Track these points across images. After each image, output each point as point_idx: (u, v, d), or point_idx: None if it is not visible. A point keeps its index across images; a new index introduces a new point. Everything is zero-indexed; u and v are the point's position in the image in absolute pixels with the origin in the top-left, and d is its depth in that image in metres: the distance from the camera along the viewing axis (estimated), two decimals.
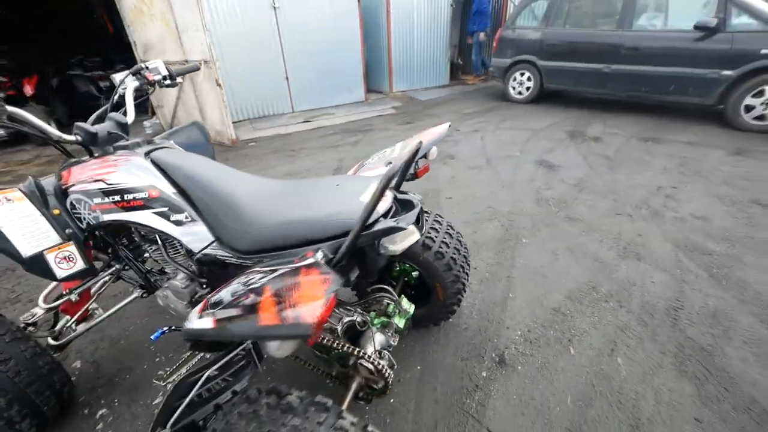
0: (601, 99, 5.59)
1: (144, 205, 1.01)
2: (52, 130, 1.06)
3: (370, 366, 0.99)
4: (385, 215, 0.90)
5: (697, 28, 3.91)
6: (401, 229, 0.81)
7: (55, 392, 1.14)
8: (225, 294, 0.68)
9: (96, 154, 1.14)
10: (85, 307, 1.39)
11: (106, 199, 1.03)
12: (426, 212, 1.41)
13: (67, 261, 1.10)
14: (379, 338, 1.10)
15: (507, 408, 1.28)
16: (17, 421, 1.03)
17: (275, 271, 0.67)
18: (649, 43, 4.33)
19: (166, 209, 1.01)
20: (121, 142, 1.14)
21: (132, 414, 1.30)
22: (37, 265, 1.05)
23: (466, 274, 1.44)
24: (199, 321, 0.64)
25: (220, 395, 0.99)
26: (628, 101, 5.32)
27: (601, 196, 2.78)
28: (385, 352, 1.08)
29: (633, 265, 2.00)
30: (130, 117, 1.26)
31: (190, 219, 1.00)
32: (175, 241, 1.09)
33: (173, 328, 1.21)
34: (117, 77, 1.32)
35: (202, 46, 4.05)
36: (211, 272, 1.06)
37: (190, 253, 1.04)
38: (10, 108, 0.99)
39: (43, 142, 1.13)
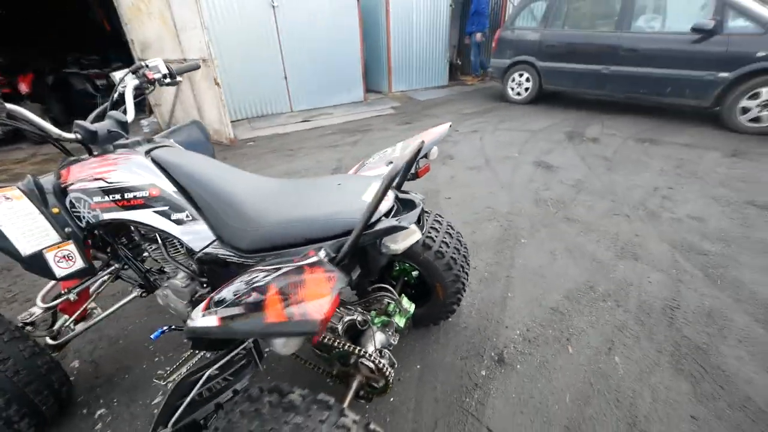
0: (600, 100, 5.62)
1: (144, 203, 1.01)
2: (52, 128, 1.05)
3: (371, 365, 1.00)
4: (386, 214, 0.90)
5: (694, 30, 3.95)
6: (403, 228, 0.82)
7: (53, 392, 1.14)
8: (229, 292, 0.68)
9: (95, 153, 1.13)
10: (84, 306, 1.38)
11: (106, 198, 1.03)
12: (426, 212, 1.41)
13: (66, 260, 1.09)
14: (379, 337, 1.11)
15: (506, 406, 1.28)
16: (16, 420, 1.02)
17: (279, 269, 0.68)
18: (647, 45, 4.36)
19: (166, 208, 1.00)
20: (121, 141, 1.14)
21: (131, 414, 1.29)
22: (37, 263, 1.04)
23: (466, 273, 1.45)
24: (203, 319, 0.64)
25: (220, 394, 0.99)
26: (626, 102, 5.35)
27: (599, 197, 2.80)
28: (386, 351, 1.08)
29: (630, 265, 2.02)
30: (130, 115, 1.25)
31: (190, 218, 1.00)
32: (175, 240, 1.09)
33: (173, 327, 1.21)
34: (117, 75, 1.31)
35: (201, 44, 4.03)
36: (212, 271, 1.06)
37: (190, 252, 1.04)
38: (9, 106, 0.99)
39: (42, 140, 1.13)
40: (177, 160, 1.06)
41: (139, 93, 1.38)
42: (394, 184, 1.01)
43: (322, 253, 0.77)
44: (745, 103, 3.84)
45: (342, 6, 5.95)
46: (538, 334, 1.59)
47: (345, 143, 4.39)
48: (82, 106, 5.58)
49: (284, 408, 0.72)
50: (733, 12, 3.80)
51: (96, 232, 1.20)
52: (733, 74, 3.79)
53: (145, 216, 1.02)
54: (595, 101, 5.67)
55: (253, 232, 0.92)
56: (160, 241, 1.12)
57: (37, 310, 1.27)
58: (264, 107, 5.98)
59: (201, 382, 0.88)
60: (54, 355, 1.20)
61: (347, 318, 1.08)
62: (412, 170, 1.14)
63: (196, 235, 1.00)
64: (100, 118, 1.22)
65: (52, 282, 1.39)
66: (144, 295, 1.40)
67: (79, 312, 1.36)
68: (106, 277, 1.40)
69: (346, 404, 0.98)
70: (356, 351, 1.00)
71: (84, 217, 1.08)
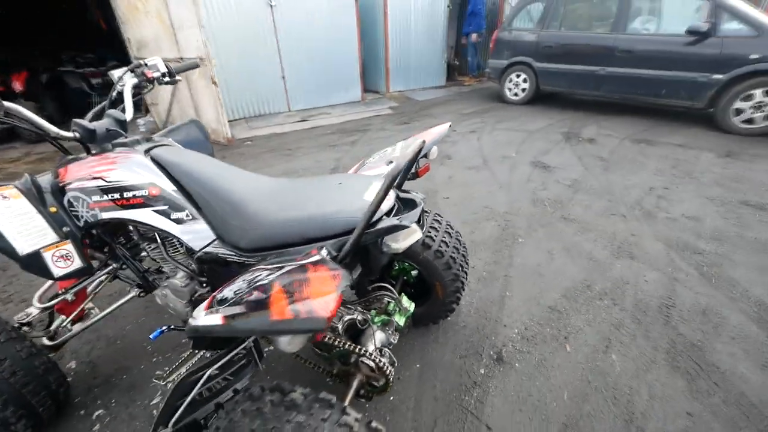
0: (596, 101, 5.66)
1: (144, 203, 1.01)
2: (50, 126, 1.04)
3: (372, 363, 1.00)
4: (387, 214, 0.91)
5: (689, 32, 3.99)
6: (404, 227, 0.82)
7: (50, 393, 1.13)
8: (232, 290, 0.68)
9: (94, 152, 1.12)
10: (81, 306, 1.37)
11: (105, 197, 1.02)
12: (425, 211, 1.42)
13: (64, 259, 1.08)
14: (379, 336, 1.11)
15: (505, 404, 1.29)
16: (12, 422, 1.01)
17: (282, 268, 0.68)
18: (642, 47, 4.40)
19: (166, 207, 1.00)
20: (120, 140, 1.13)
21: (129, 414, 1.29)
22: (34, 263, 1.03)
23: (465, 272, 1.45)
24: (206, 318, 0.64)
25: (220, 394, 0.99)
26: (622, 103, 5.40)
27: (595, 197, 2.82)
28: (386, 349, 1.09)
29: (626, 264, 2.04)
30: (129, 114, 1.24)
31: (190, 217, 1.00)
32: (174, 240, 1.09)
33: (172, 327, 1.21)
34: (115, 74, 1.30)
35: (198, 43, 4.01)
36: (212, 271, 1.06)
37: (190, 251, 1.03)
38: (6, 103, 0.98)
39: (39, 138, 1.12)
40: (177, 159, 1.06)
41: (138, 92, 1.37)
42: (396, 183, 1.02)
43: (324, 252, 0.78)
44: (738, 104, 3.89)
45: (340, 5, 5.94)
46: (536, 333, 1.60)
47: (343, 143, 4.39)
48: (78, 104, 5.54)
49: (286, 407, 0.72)
50: (727, 15, 3.85)
51: (94, 231, 1.19)
52: (727, 76, 3.84)
53: (145, 215, 1.01)
54: (592, 102, 5.71)
55: (253, 231, 0.92)
56: (159, 241, 1.12)
57: (33, 311, 1.25)
58: (261, 106, 5.95)
59: (201, 382, 0.88)
60: (51, 356, 1.19)
61: (347, 317, 1.09)
62: (412, 170, 1.14)
63: (196, 234, 1.00)
64: (99, 116, 1.21)
65: (49, 282, 1.38)
66: (142, 295, 1.39)
67: (76, 312, 1.34)
68: (103, 277, 1.39)
69: (346, 403, 0.98)
70: (357, 350, 1.00)
71: (82, 217, 1.07)
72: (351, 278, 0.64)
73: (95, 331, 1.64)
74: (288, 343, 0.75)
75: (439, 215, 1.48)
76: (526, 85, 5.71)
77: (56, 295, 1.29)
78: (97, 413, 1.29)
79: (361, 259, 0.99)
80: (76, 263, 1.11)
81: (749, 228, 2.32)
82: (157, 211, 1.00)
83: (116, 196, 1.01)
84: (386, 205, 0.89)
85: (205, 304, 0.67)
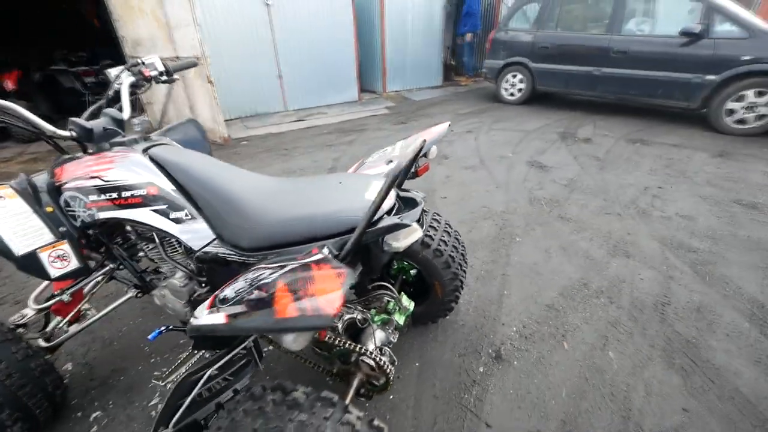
0: (592, 101, 5.71)
1: (142, 202, 1.00)
2: (46, 125, 1.03)
3: (372, 362, 1.00)
4: (388, 212, 0.91)
5: (682, 34, 4.03)
6: (406, 225, 0.82)
7: (47, 395, 1.12)
8: (235, 289, 0.68)
9: (90, 151, 1.11)
10: (78, 307, 1.35)
11: (103, 197, 1.01)
12: (424, 211, 1.42)
13: (61, 260, 1.07)
14: (379, 335, 1.11)
15: (504, 402, 1.30)
16: (8, 425, 1.00)
17: (284, 266, 0.68)
18: (637, 48, 4.45)
19: (165, 207, 0.99)
20: (118, 139, 1.12)
21: (128, 416, 1.28)
22: (31, 264, 1.02)
23: (464, 271, 1.46)
24: (209, 317, 0.64)
25: (220, 394, 0.99)
26: (617, 104, 5.44)
27: (591, 196, 2.84)
28: (386, 348, 1.09)
29: (622, 262, 2.06)
30: (126, 113, 1.23)
31: (189, 217, 0.99)
32: (173, 240, 1.08)
33: (171, 327, 1.20)
34: (112, 72, 1.29)
35: (193, 42, 3.99)
36: (211, 270, 1.06)
37: (189, 251, 1.03)
38: (1, 102, 0.97)
39: (33, 138, 1.11)
40: (176, 159, 1.05)
41: (135, 90, 1.36)
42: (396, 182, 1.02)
43: (325, 251, 0.78)
44: (731, 105, 3.94)
45: (336, 5, 5.93)
46: (534, 331, 1.61)
47: (341, 143, 4.38)
48: (71, 104, 5.47)
49: (288, 406, 0.72)
50: (720, 17, 3.90)
51: (90, 231, 1.18)
52: (720, 77, 3.89)
53: (143, 215, 1.00)
54: (587, 102, 5.76)
55: (254, 231, 0.92)
56: (157, 241, 1.11)
57: (29, 312, 1.24)
58: (258, 106, 5.93)
59: (201, 382, 0.88)
60: (47, 358, 1.18)
61: (347, 316, 1.09)
62: (412, 169, 1.15)
63: (196, 233, 0.99)
64: (95, 115, 1.20)
65: (45, 283, 1.36)
66: (139, 295, 1.38)
67: (72, 313, 1.33)
68: (100, 278, 1.37)
69: (347, 402, 0.98)
70: (357, 349, 1.00)
71: (79, 216, 1.06)
72: (355, 276, 0.64)
73: (91, 333, 1.62)
74: (293, 341, 0.75)
75: (438, 214, 1.48)
76: (522, 86, 5.75)
77: (52, 296, 1.27)
78: (94, 415, 1.28)
79: (363, 258, 0.99)
80: (73, 264, 1.10)
81: (742, 227, 2.36)
82: (155, 211, 1.00)
83: (114, 195, 1.00)
84: (387, 204, 0.90)
85: (207, 303, 0.67)
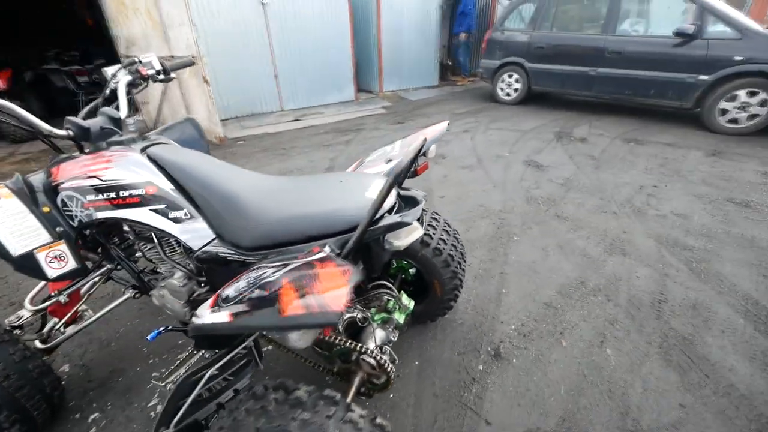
0: (587, 101, 5.76)
1: (141, 202, 0.99)
2: (42, 124, 1.02)
3: (373, 361, 1.01)
4: (389, 211, 0.91)
5: (676, 34, 4.08)
6: (407, 224, 0.83)
7: (45, 396, 1.11)
8: (238, 288, 0.67)
9: (87, 150, 1.10)
10: (75, 308, 1.34)
11: (100, 196, 1.00)
12: (423, 210, 1.42)
13: (58, 260, 1.06)
14: (380, 334, 1.11)
15: (504, 399, 1.31)
16: (6, 427, 0.99)
17: (287, 265, 0.68)
18: (632, 48, 4.49)
19: (164, 206, 0.99)
20: (116, 138, 1.11)
21: (127, 417, 1.27)
22: (27, 264, 1.01)
23: (463, 270, 1.47)
24: (213, 315, 0.63)
25: (221, 394, 0.99)
26: (612, 103, 5.50)
27: (587, 195, 2.87)
28: (386, 347, 1.09)
29: (619, 260, 2.08)
30: (123, 112, 1.22)
31: (189, 216, 0.99)
32: (171, 239, 1.07)
33: (170, 327, 1.19)
34: (109, 71, 1.28)
35: (189, 41, 3.96)
36: (211, 270, 1.05)
37: (188, 250, 1.02)
38: None
39: (25, 138, 1.10)
40: (175, 158, 1.04)
41: (131, 89, 1.35)
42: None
43: (327, 249, 0.78)
44: (723, 104, 3.99)
45: (333, 4, 5.92)
46: (532, 329, 1.62)
47: (338, 142, 4.38)
48: (64, 104, 5.41)
49: (291, 404, 0.72)
50: (713, 17, 3.95)
51: (87, 231, 1.17)
52: (713, 77, 3.94)
53: (142, 214, 1.00)
54: (583, 102, 5.81)
55: (254, 230, 0.91)
56: (156, 240, 1.10)
57: (25, 313, 1.23)
58: (254, 106, 5.90)
59: (202, 382, 0.88)
60: (45, 359, 1.17)
61: (347, 315, 1.09)
62: (412, 168, 1.15)
63: (195, 233, 0.99)
64: (92, 114, 1.19)
65: (41, 284, 1.35)
66: (137, 296, 1.37)
67: (69, 314, 1.32)
68: (97, 279, 1.36)
69: (349, 400, 0.98)
70: (358, 348, 1.00)
71: (76, 216, 1.05)
72: (360, 273, 0.64)
73: (87, 334, 1.61)
74: (298, 339, 0.75)
75: (437, 213, 1.49)
76: (518, 85, 5.77)
77: (49, 297, 1.26)
78: (93, 416, 1.27)
79: (364, 257, 0.99)
80: (71, 264, 1.09)
81: (735, 225, 2.39)
82: (154, 210, 0.99)
83: (112, 195, 0.99)
84: (388, 202, 0.90)
85: (209, 302, 0.67)
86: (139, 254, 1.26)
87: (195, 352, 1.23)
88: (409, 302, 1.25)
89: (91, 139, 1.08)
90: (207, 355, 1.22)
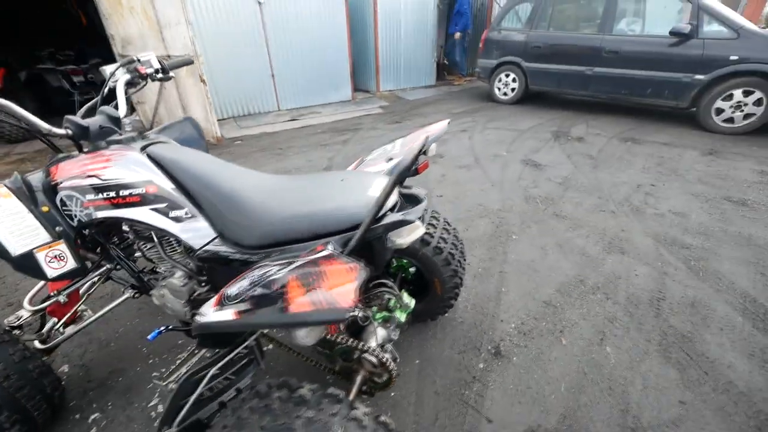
0: (584, 100, 5.78)
1: (141, 201, 0.98)
2: (41, 122, 1.01)
3: (375, 360, 1.01)
4: (391, 209, 0.91)
5: (672, 34, 4.11)
6: (410, 222, 0.83)
7: (45, 397, 1.10)
8: (243, 286, 0.67)
9: (86, 149, 1.10)
10: (74, 308, 1.33)
11: (100, 196, 1.00)
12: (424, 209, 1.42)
13: (57, 260, 1.06)
14: (381, 333, 1.11)
15: (504, 397, 1.31)
16: (7, 427, 0.98)
17: (291, 263, 0.67)
18: (628, 48, 4.52)
19: (164, 205, 0.98)
20: (115, 137, 1.10)
21: (127, 417, 1.26)
22: (27, 264, 1.00)
23: (463, 268, 1.47)
24: (217, 314, 0.63)
25: (223, 393, 0.98)
26: (609, 103, 5.52)
27: (585, 194, 2.88)
28: (388, 345, 1.09)
29: (618, 258, 2.09)
30: (122, 111, 1.22)
31: (190, 215, 0.98)
32: (171, 239, 1.07)
33: (170, 327, 1.19)
34: (107, 69, 1.27)
35: (185, 40, 3.94)
36: (212, 269, 1.05)
37: (189, 250, 1.02)
38: None
39: (28, 136, 1.09)
40: (175, 157, 1.04)
41: (128, 88, 1.34)
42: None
43: (330, 247, 0.78)
44: (719, 104, 4.03)
45: (329, 4, 5.91)
46: (532, 327, 1.63)
47: (335, 142, 4.37)
48: (59, 103, 5.37)
49: (295, 402, 0.72)
50: (708, 17, 3.98)
51: (87, 231, 1.16)
52: (708, 76, 3.97)
53: (142, 214, 0.99)
54: (580, 101, 5.83)
55: (256, 228, 0.91)
56: (156, 240, 1.10)
57: (24, 313, 1.22)
58: (251, 106, 5.88)
59: (205, 381, 0.87)
60: (44, 359, 1.16)
61: (352, 313, 1.09)
62: (413, 166, 1.15)
63: (196, 232, 0.98)
64: (91, 113, 1.18)
65: (40, 284, 1.34)
66: (137, 296, 1.36)
67: (69, 314, 1.31)
68: (96, 279, 1.36)
69: (351, 398, 0.98)
70: (360, 346, 1.00)
71: (76, 216, 1.04)
72: (367, 271, 0.64)
73: (87, 334, 1.60)
74: (305, 336, 0.75)
75: (437, 212, 1.49)
76: (515, 85, 5.79)
77: (48, 297, 1.25)
78: (93, 416, 1.26)
79: (366, 255, 0.99)
80: (70, 264, 1.08)
81: (732, 223, 2.41)
82: (154, 210, 0.98)
83: (112, 194, 0.99)
84: (390, 200, 0.90)
85: (213, 300, 0.67)
86: (138, 254, 1.25)
87: (196, 351, 1.23)
88: (409, 301, 1.26)
89: (91, 138, 1.08)
90: (208, 355, 1.21)
